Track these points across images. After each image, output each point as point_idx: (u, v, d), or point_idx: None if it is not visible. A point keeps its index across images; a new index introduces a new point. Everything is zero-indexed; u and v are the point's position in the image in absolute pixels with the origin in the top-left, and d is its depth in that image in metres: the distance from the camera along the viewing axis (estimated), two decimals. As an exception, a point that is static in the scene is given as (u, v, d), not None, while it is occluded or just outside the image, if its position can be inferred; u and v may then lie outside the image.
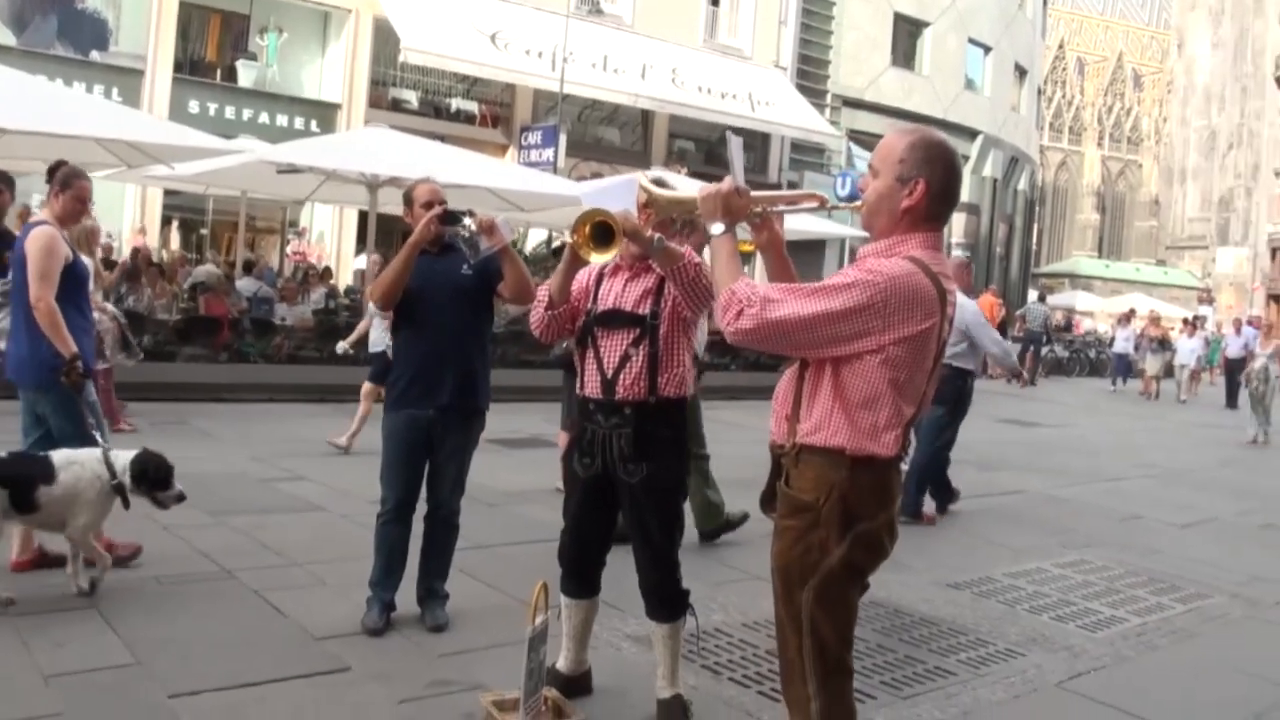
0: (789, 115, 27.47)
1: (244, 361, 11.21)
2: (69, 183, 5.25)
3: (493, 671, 4.20)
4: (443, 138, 17.52)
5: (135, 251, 14.90)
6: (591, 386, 3.78)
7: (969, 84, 37.29)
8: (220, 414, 10.55)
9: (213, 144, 11.17)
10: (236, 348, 11.15)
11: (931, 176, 2.66)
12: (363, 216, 21.37)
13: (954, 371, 7.77)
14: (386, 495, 4.71)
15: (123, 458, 4.89)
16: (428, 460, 4.70)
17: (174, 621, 4.65)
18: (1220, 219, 73.66)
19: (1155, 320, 26.40)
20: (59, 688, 3.88)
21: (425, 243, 4.53)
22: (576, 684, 4.05)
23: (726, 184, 2.84)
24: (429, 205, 4.64)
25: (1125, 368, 25.49)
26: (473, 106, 24.82)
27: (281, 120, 20.28)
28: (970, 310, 7.81)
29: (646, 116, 27.11)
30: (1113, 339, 27.87)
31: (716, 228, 2.80)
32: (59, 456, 4.83)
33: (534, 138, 24.66)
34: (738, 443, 8.27)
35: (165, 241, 19.90)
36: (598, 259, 3.41)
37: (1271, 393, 15.08)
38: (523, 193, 14.66)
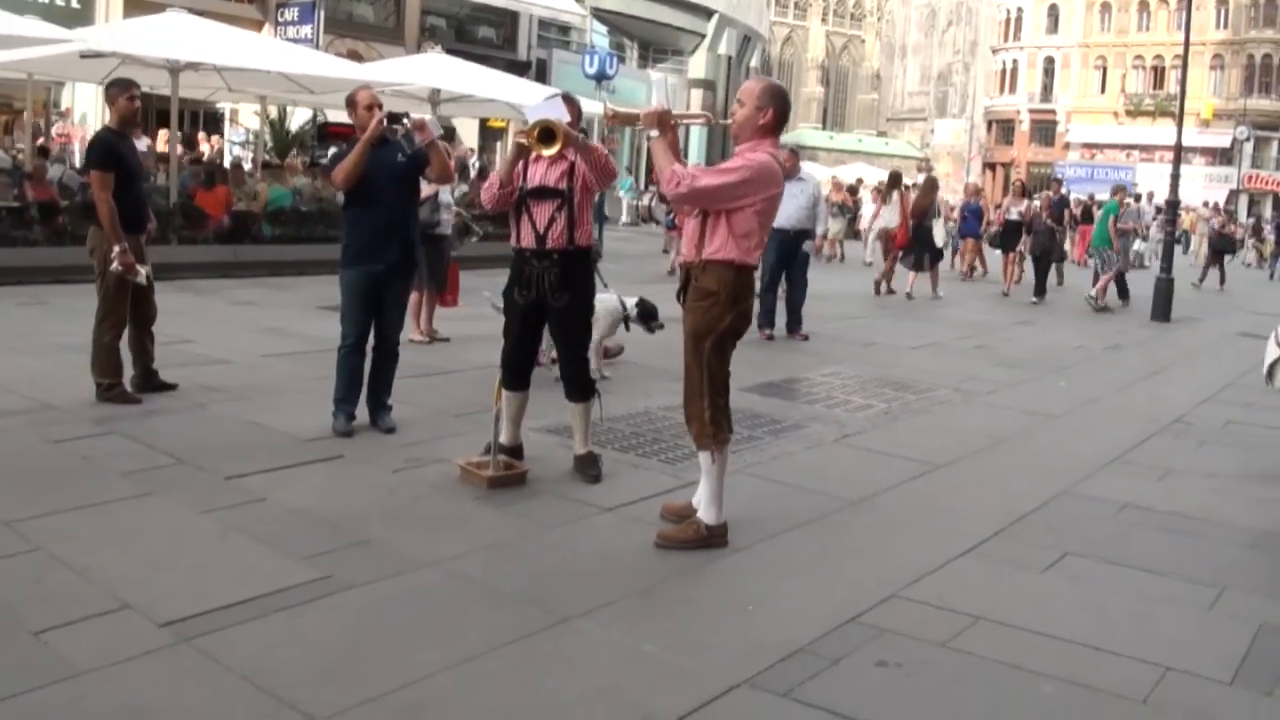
0: (536, -7, 28.39)
1: (81, 244, 11.81)
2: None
3: (445, 451, 5.81)
4: (201, 13, 17.64)
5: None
6: (527, 240, 5.33)
7: (706, -37, 39.06)
8: (74, 293, 11.24)
9: (45, 33, 11.58)
10: (73, 231, 11.67)
11: (775, 106, 4.51)
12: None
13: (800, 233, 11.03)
14: (348, 331, 6.14)
15: (629, 301, 7.77)
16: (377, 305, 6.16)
17: (183, 437, 5.94)
18: (939, 92, 79.36)
19: (837, 186, 27.22)
20: (133, 479, 5.16)
21: (375, 138, 5.90)
22: (514, 452, 5.67)
23: (658, 106, 4.58)
24: (370, 108, 5.99)
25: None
26: (228, -20, 24.67)
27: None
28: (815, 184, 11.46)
29: (399, -8, 27.52)
30: None
31: (653, 133, 4.48)
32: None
33: (291, 14, 24.69)
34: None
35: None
36: (547, 152, 4.97)
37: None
38: (315, 77, 15.52)
